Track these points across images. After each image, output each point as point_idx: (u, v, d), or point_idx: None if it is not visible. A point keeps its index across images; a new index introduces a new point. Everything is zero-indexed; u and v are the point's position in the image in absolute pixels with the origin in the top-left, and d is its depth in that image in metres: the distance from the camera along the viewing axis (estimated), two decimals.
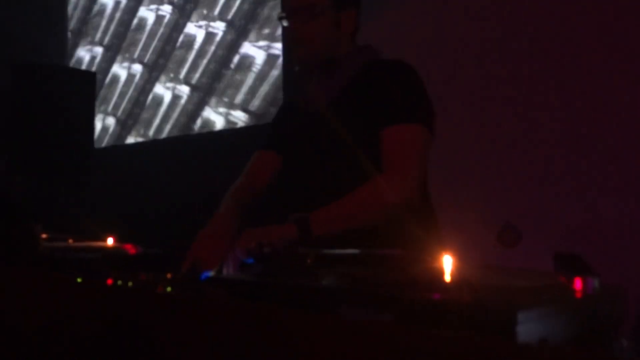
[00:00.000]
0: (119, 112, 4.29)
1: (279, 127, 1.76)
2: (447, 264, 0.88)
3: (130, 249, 1.46)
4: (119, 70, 4.34)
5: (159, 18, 4.07)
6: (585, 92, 2.30)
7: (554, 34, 2.38)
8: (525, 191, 2.44)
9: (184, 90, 3.83)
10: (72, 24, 4.88)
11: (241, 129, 3.51)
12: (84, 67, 4.49)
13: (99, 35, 4.60)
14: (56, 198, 2.95)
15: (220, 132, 3.61)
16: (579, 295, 0.71)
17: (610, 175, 2.23)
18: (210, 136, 3.66)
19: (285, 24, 1.59)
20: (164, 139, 3.91)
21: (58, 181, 3.05)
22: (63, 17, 4.91)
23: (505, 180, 2.48)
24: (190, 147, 3.73)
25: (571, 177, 2.34)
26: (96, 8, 4.69)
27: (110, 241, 1.64)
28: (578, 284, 0.73)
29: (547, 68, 2.40)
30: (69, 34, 4.89)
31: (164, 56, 3.99)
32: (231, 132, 3.57)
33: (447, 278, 0.68)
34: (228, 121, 3.58)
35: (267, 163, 1.72)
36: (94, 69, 4.27)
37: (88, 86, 3.25)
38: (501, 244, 2.47)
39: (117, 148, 4.17)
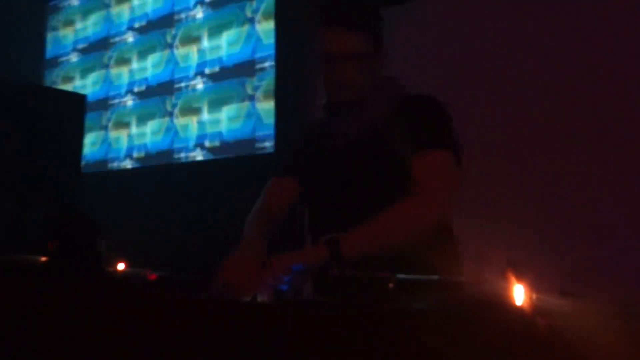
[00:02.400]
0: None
1: (300, 155, 1.74)
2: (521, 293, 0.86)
3: (148, 274, 1.40)
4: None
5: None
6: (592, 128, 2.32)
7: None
8: (530, 228, 2.44)
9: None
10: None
11: (233, 159, 3.46)
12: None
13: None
14: (44, 224, 2.84)
15: (207, 162, 3.56)
16: None
17: (615, 215, 2.25)
18: (195, 166, 3.61)
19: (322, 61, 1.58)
20: (152, 167, 3.84)
21: (46, 207, 2.94)
22: (41, 35, 4.84)
23: (508, 217, 2.48)
24: (178, 174, 3.67)
25: (574, 214, 2.35)
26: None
27: (121, 266, 1.57)
28: None
29: (552, 104, 2.43)
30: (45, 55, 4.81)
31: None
32: (220, 162, 3.52)
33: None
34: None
35: (286, 190, 1.69)
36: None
37: (77, 109, 3.18)
38: (504, 281, 2.46)
39: (105, 174, 4.08)
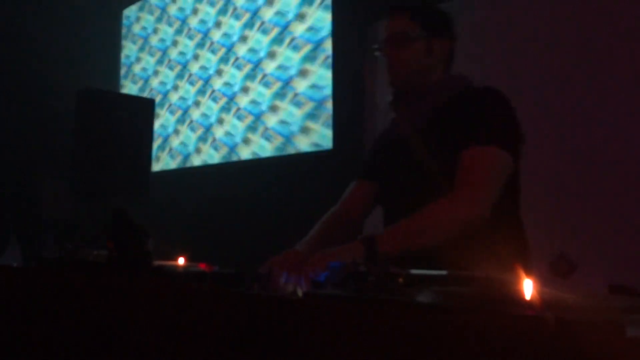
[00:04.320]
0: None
1: (375, 155, 1.81)
2: (530, 287, 0.91)
3: (205, 267, 1.52)
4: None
5: None
6: None
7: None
8: (580, 222, 2.43)
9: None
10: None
11: (291, 156, 3.58)
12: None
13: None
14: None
15: (269, 159, 3.69)
16: None
17: None
18: (262, 162, 3.74)
19: (378, 54, 1.67)
20: (214, 165, 4.01)
21: (116, 204, 3.14)
22: (116, 44, 5.10)
23: (559, 210, 2.48)
24: (241, 172, 3.82)
25: (627, 209, 2.33)
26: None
27: (181, 261, 1.70)
28: None
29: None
30: (122, 62, 5.08)
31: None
32: (275, 159, 3.64)
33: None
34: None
35: (363, 192, 1.78)
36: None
37: (147, 113, 3.38)
38: (554, 275, 2.46)
39: (173, 172, 4.29)
